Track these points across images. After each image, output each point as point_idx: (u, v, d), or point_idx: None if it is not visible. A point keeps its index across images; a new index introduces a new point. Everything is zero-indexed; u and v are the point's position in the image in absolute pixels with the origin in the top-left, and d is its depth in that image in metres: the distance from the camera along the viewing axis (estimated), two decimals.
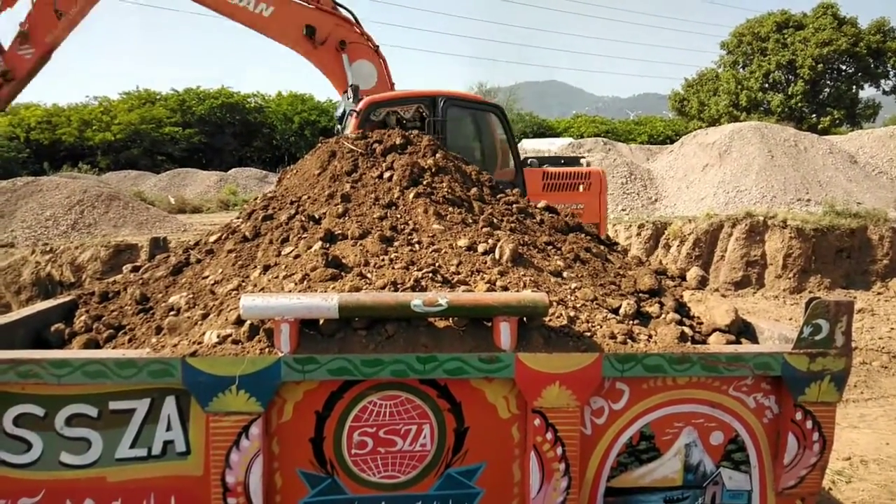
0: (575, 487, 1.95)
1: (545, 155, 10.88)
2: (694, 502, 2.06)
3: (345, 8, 6.94)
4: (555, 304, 2.18)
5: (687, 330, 2.20)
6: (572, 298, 2.30)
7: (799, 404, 2.00)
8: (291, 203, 3.00)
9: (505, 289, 2.20)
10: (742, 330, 2.37)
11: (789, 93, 36.24)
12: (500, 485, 2.00)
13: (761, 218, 11.40)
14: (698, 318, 2.45)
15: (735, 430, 2.05)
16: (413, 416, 1.95)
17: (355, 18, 6.95)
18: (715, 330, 2.31)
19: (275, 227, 2.77)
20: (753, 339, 2.33)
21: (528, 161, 8.50)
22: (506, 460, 1.99)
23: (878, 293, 10.78)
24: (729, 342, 2.22)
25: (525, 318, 2.01)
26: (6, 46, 6.29)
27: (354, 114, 6.37)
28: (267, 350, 1.88)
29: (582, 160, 8.36)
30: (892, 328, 8.58)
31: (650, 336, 2.14)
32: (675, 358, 1.97)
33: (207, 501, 1.88)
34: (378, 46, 6.79)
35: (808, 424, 2.01)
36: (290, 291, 2.13)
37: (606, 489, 2.03)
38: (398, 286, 2.14)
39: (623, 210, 15.68)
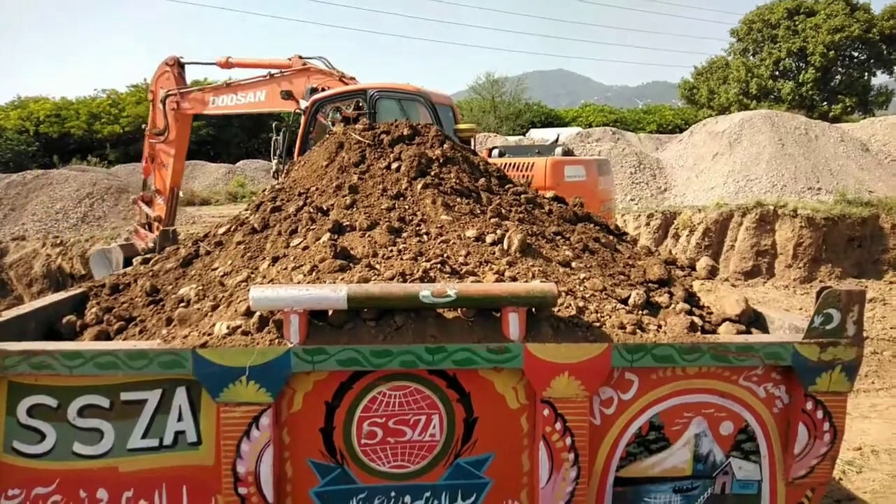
0: (584, 477, 1.95)
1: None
2: (703, 492, 2.06)
3: (315, 58, 8.10)
4: (563, 294, 2.17)
5: (697, 320, 2.19)
6: (581, 289, 2.29)
7: (810, 394, 1.99)
8: (299, 195, 3.00)
9: (513, 279, 2.19)
10: (752, 320, 2.36)
11: (800, 80, 35.85)
12: (509, 475, 2.00)
13: (772, 207, 11.32)
14: (708, 308, 2.44)
15: (745, 420, 2.04)
16: (422, 406, 1.96)
17: (326, 62, 8.00)
18: (725, 320, 2.30)
19: (283, 219, 2.77)
20: (764, 329, 2.31)
21: (497, 150, 8.50)
22: (515, 450, 1.99)
23: (890, 282, 10.69)
24: (739, 332, 2.21)
25: (534, 309, 2.00)
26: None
27: (302, 112, 7.22)
28: (276, 341, 1.89)
29: (557, 148, 8.26)
30: None
31: (660, 326, 2.13)
32: (685, 348, 1.97)
33: (218, 491, 1.90)
34: (343, 75, 7.80)
35: (819, 414, 2.00)
36: (298, 283, 2.13)
37: (616, 479, 2.03)
38: (407, 277, 2.14)
39: (632, 200, 15.60)
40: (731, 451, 2.06)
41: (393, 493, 1.97)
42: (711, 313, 2.38)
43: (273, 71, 7.85)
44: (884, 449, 4.75)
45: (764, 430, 2.05)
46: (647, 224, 11.88)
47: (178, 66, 8.24)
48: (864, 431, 5.08)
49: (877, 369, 6.55)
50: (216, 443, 1.89)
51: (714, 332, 2.22)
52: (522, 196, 3.13)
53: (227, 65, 8.26)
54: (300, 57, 7.91)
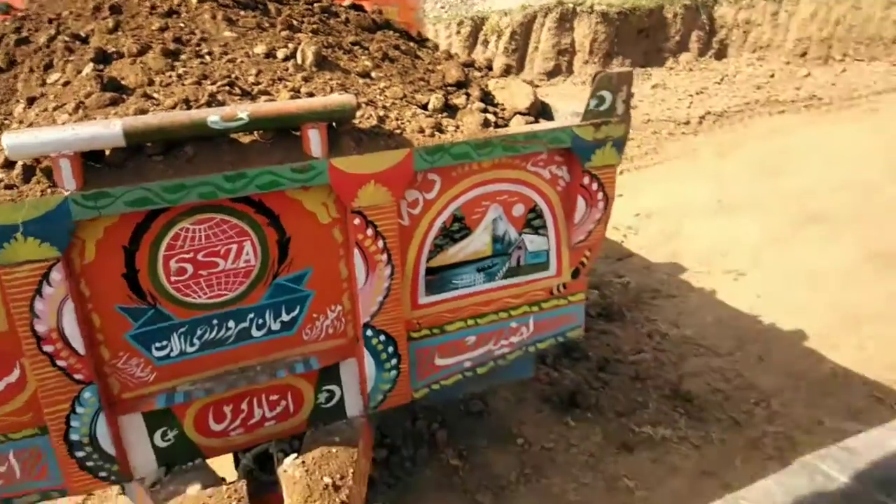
0: (398, 273, 2.11)
1: None
2: (502, 267, 2.34)
3: None
4: (363, 105, 2.16)
5: (490, 117, 2.31)
6: (381, 98, 2.28)
7: (586, 170, 2.25)
8: (50, 22, 2.57)
9: (310, 95, 2.12)
10: (541, 111, 2.54)
11: None
12: (328, 284, 2.11)
13: (571, 5, 11.68)
14: (502, 104, 2.57)
15: (534, 201, 2.29)
16: (231, 235, 1.93)
17: None
18: (516, 114, 2.45)
19: (33, 52, 2.38)
20: (550, 119, 2.52)
21: None
22: (332, 261, 2.08)
23: (670, 68, 11.89)
24: (528, 123, 2.38)
25: (334, 123, 1.98)
26: None
27: None
28: (49, 191, 1.71)
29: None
30: (679, 99, 9.67)
31: (457, 126, 2.22)
32: (479, 143, 2.09)
33: (21, 354, 1.80)
34: None
35: (594, 186, 2.29)
36: (63, 123, 1.89)
37: (427, 269, 2.23)
38: (191, 104, 1.98)
39: (442, 7, 15.19)
40: (523, 229, 2.32)
41: (215, 321, 2.00)
42: (504, 109, 2.52)
43: None
44: (655, 212, 5.64)
45: (550, 208, 2.33)
46: (458, 32, 11.79)
47: None
48: (643, 199, 5.95)
49: (655, 147, 7.52)
50: (5, 306, 1.76)
51: (506, 125, 2.37)
52: (315, 5, 2.93)
53: None
54: None
